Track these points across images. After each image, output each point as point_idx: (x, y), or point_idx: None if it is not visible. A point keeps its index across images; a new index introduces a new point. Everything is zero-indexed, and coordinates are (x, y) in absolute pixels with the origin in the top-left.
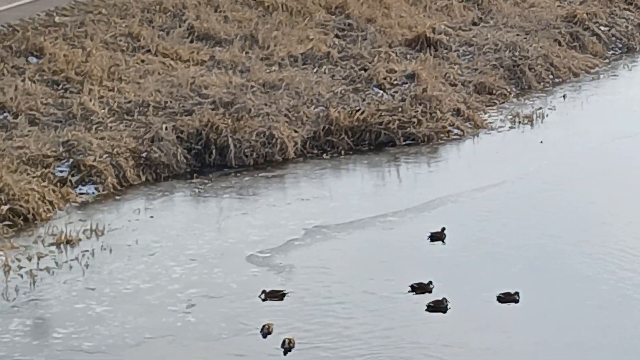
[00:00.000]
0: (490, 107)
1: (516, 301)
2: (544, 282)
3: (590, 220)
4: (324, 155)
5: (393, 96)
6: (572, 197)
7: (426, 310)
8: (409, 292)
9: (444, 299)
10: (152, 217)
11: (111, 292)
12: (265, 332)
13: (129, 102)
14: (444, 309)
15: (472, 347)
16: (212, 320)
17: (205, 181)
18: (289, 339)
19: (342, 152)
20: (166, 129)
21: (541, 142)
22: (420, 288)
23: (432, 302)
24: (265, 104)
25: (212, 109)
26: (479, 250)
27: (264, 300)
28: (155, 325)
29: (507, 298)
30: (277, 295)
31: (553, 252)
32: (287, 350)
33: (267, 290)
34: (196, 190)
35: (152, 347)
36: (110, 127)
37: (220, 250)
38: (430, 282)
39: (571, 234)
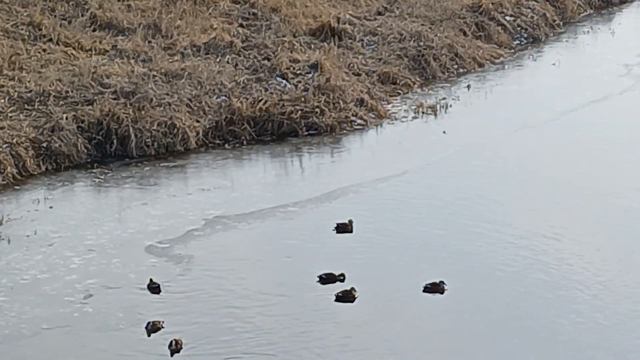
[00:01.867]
0: (394, 97)
1: (442, 291)
2: (456, 271)
3: (494, 209)
4: (226, 145)
5: (296, 86)
6: (475, 186)
7: (335, 300)
8: (317, 282)
9: (352, 288)
10: (51, 207)
11: (8, 282)
12: (150, 329)
13: (30, 91)
14: (352, 299)
15: (380, 333)
16: (109, 311)
17: (106, 171)
18: (176, 340)
19: (244, 142)
20: (67, 118)
21: (444, 132)
22: (329, 279)
23: (341, 292)
24: (167, 94)
25: (114, 99)
26: (385, 240)
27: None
28: (52, 316)
29: (434, 288)
30: (153, 288)
31: (461, 241)
32: (174, 352)
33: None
34: (96, 180)
35: (48, 338)
36: (10, 117)
37: (119, 241)
38: (342, 275)
39: (476, 223)
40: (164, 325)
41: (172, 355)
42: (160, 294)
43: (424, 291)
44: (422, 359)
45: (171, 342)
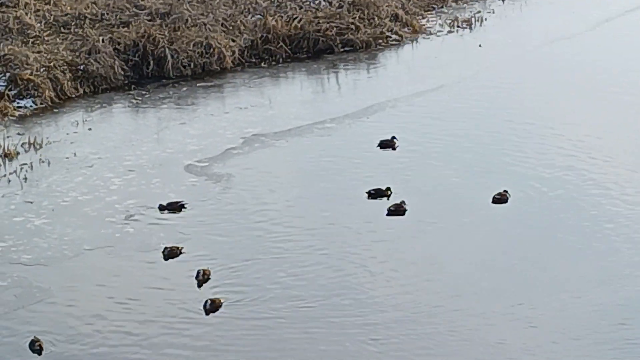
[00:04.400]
0: (428, 12)
1: (506, 200)
2: (501, 183)
3: (534, 121)
4: (262, 64)
5: (330, 3)
6: (510, 98)
7: (387, 214)
8: (366, 197)
9: (403, 202)
10: (90, 129)
11: (50, 204)
12: (168, 254)
13: (66, 15)
14: (402, 212)
15: (430, 243)
16: (150, 231)
17: (143, 92)
18: (204, 270)
19: (280, 61)
20: (103, 41)
21: (480, 45)
22: (377, 194)
23: (393, 205)
24: (202, 14)
25: (149, 20)
26: (426, 153)
27: (161, 211)
28: (93, 237)
29: (501, 198)
30: (175, 208)
31: (503, 153)
32: (201, 282)
33: (164, 203)
34: (134, 101)
35: (90, 258)
36: (47, 41)
37: (159, 161)
38: (389, 188)
39: (517, 135)
40: (183, 251)
41: (199, 286)
42: (191, 213)
43: (493, 202)
44: (468, 269)
45: (198, 272)
